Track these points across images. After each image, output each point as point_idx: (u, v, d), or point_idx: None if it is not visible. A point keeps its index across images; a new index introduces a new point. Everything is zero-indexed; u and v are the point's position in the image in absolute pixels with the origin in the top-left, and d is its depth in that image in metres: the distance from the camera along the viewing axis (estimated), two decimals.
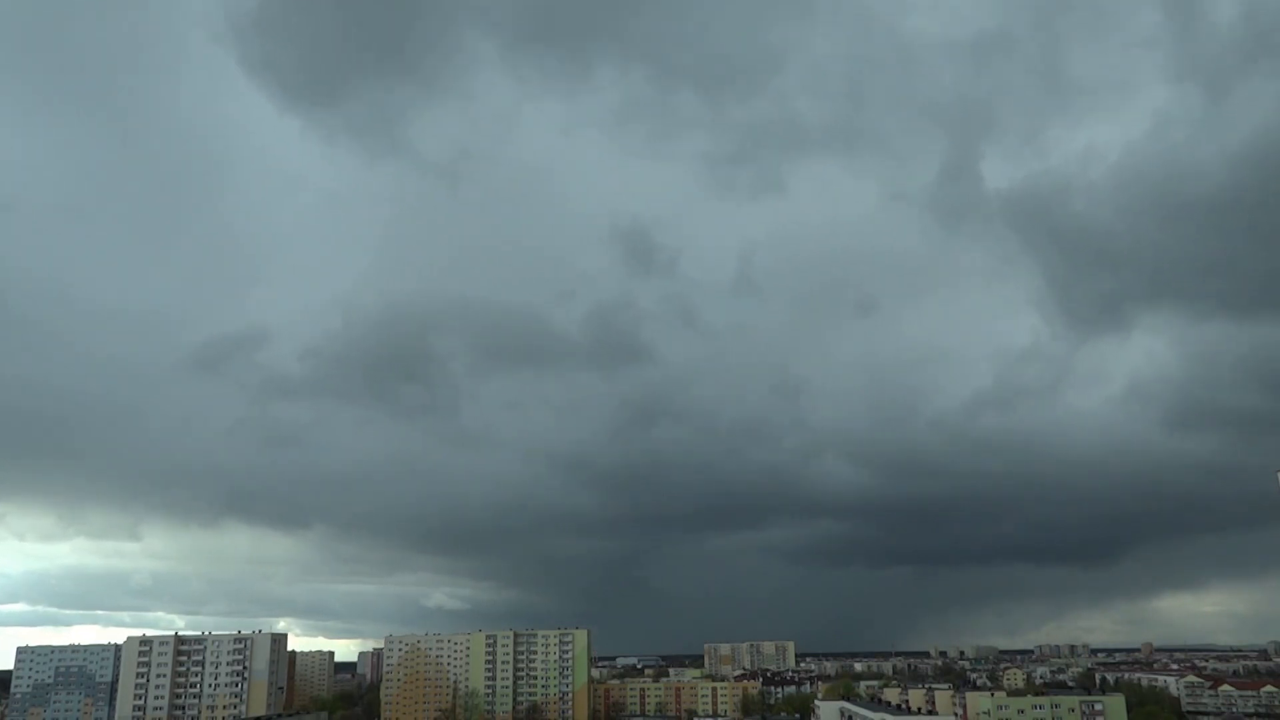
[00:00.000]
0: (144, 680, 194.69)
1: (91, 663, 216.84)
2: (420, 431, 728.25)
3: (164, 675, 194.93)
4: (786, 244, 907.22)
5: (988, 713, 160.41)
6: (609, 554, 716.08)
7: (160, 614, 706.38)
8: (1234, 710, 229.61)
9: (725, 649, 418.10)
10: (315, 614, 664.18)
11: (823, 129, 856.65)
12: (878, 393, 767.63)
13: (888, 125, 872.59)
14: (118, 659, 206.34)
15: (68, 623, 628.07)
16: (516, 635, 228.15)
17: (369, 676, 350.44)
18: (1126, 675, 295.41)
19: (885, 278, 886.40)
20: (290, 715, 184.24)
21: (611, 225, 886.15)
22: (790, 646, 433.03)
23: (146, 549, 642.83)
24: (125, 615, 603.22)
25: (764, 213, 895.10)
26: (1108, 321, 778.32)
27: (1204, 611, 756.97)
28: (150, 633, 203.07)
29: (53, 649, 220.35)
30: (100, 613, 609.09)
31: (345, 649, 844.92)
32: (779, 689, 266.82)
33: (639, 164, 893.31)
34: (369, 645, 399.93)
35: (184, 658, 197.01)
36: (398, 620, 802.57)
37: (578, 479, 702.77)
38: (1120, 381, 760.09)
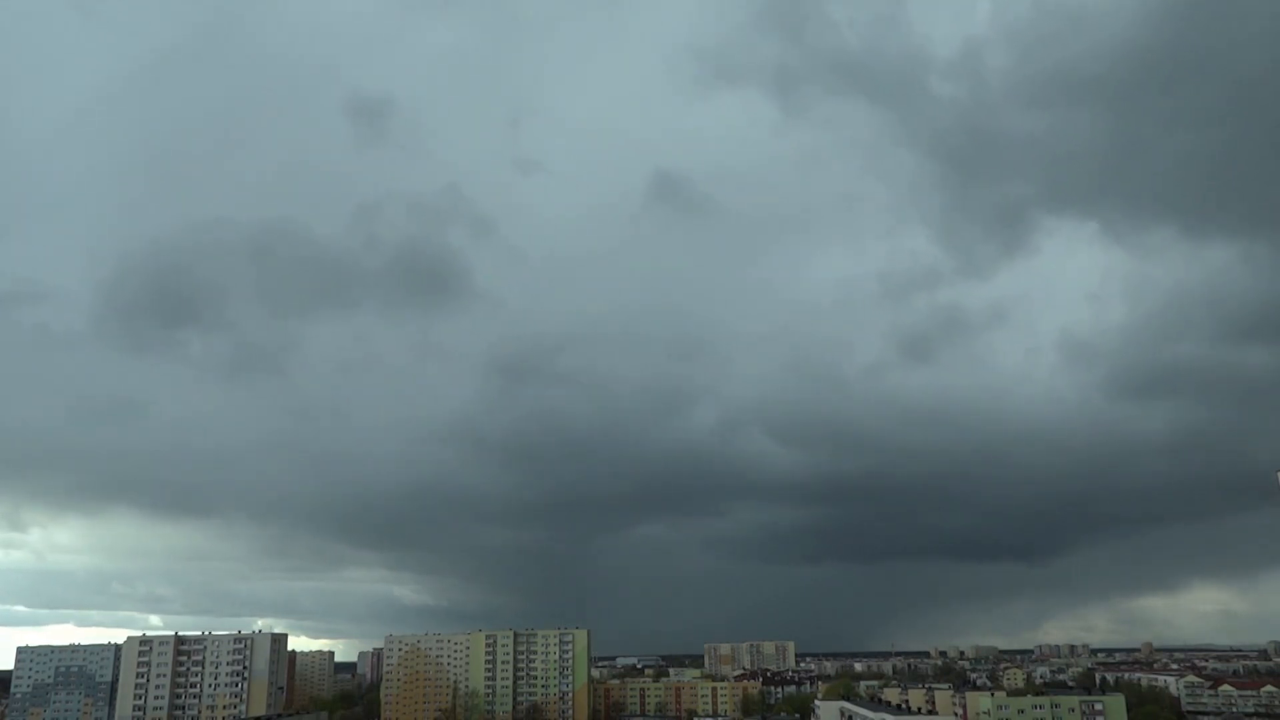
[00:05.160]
0: (144, 680, 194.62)
1: (91, 663, 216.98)
2: (253, 396, 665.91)
3: (164, 675, 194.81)
4: (564, 114, 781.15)
5: (988, 712, 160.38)
6: (558, 545, 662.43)
7: (133, 613, 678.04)
8: (1234, 710, 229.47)
9: (725, 649, 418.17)
10: (289, 612, 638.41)
11: None
12: (765, 342, 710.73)
13: None
14: (118, 659, 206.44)
15: (40, 622, 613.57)
16: (516, 635, 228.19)
17: (369, 676, 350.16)
18: (1126, 675, 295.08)
19: (715, 168, 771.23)
20: (290, 715, 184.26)
21: (341, 97, 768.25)
22: (790, 646, 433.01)
23: (50, 540, 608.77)
24: (95, 613, 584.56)
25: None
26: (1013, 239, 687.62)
27: (1199, 611, 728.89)
28: (150, 633, 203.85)
29: (53, 649, 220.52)
30: (69, 611, 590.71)
31: (333, 649, 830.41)
32: (779, 689, 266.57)
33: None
34: (355, 644, 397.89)
35: (184, 658, 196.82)
36: (375, 619, 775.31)
37: (474, 458, 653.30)
38: (1050, 333, 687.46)
